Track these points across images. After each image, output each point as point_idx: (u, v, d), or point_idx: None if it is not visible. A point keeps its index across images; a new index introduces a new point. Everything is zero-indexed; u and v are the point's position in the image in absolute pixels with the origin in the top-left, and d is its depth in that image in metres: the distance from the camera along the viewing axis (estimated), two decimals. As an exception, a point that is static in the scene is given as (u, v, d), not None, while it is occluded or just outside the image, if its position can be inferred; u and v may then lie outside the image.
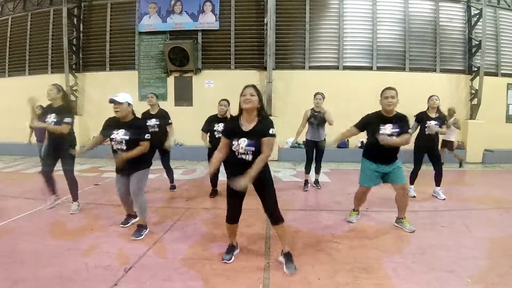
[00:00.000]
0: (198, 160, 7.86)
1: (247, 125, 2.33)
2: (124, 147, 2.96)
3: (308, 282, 2.24)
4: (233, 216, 2.49)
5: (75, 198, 3.90)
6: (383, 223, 3.48)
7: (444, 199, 4.45)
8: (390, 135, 3.04)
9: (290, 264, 2.40)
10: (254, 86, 2.38)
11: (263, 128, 2.29)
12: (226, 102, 4.31)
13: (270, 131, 2.27)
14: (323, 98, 4.76)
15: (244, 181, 2.18)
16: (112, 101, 2.93)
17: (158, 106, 4.73)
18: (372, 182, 3.28)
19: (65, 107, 3.77)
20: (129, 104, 3.01)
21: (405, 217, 3.35)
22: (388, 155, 3.16)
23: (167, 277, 2.29)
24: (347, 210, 3.70)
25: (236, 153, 2.32)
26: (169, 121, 4.63)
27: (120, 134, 2.96)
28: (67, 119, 3.64)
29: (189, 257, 2.62)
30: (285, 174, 6.20)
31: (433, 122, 4.28)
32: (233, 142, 2.31)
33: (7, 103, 7.61)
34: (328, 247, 2.84)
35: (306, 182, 5.05)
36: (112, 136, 2.99)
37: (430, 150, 4.41)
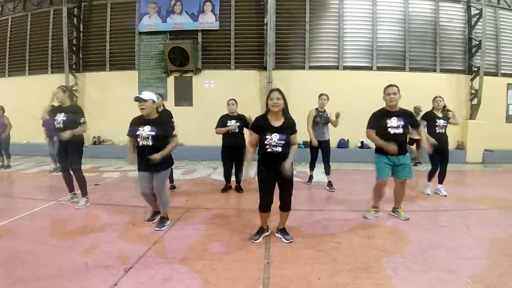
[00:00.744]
0: (198, 160, 7.86)
1: (276, 122, 2.73)
2: (151, 143, 3.06)
3: (308, 282, 2.23)
4: (266, 205, 2.84)
5: (84, 193, 4.05)
6: (383, 223, 3.48)
7: (446, 195, 4.52)
8: (397, 127, 3.28)
9: (287, 236, 2.95)
10: (279, 90, 2.75)
11: (291, 125, 2.75)
12: (234, 101, 4.66)
13: (296, 128, 2.78)
14: (328, 99, 4.86)
15: (288, 165, 2.66)
16: (137, 99, 3.06)
17: (163, 106, 4.94)
18: (387, 175, 3.44)
19: (76, 107, 3.98)
20: (153, 101, 3.13)
21: (400, 207, 3.65)
22: (398, 147, 3.31)
23: (167, 277, 2.29)
24: (348, 210, 3.71)
25: (267, 146, 2.69)
26: (172, 120, 4.80)
27: (146, 130, 3.06)
28: (82, 119, 3.86)
29: (189, 257, 2.62)
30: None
31: (441, 122, 4.41)
32: (266, 136, 2.68)
33: (7, 103, 7.59)
34: (328, 247, 2.84)
35: (310, 177, 5.29)
36: (138, 133, 3.08)
37: (441, 149, 4.46)
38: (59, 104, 3.94)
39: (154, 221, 3.42)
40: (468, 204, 4.23)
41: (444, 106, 4.55)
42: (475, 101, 8.24)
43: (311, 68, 8.44)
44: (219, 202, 4.36)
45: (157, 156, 2.99)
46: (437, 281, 2.23)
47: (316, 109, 4.85)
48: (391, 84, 3.40)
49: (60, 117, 3.81)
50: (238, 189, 4.82)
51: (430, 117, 4.43)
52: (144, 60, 8.81)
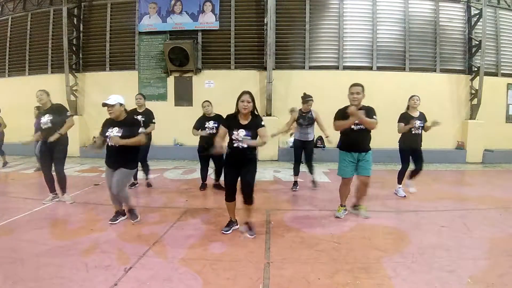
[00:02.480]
0: (198, 160, 7.85)
1: (244, 121, 2.97)
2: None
3: (308, 282, 2.23)
4: (229, 196, 3.07)
5: (63, 191, 4.15)
6: (383, 223, 3.48)
7: (404, 196, 4.48)
8: (359, 123, 3.36)
9: (251, 231, 3.08)
10: (249, 93, 2.97)
11: (256, 122, 2.98)
12: (208, 102, 4.77)
13: (262, 123, 2.98)
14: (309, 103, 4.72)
15: (248, 142, 2.88)
16: (104, 104, 3.20)
17: (145, 105, 5.10)
18: (349, 173, 3.52)
19: (57, 106, 4.04)
20: (120, 104, 3.25)
21: (361, 204, 3.70)
22: (361, 143, 3.46)
23: (167, 277, 2.29)
24: (348, 210, 3.71)
25: (234, 141, 2.92)
26: (153, 120, 4.98)
27: (114, 132, 3.20)
28: (68, 113, 3.98)
29: (189, 257, 2.62)
30: (285, 174, 6.20)
31: (417, 122, 4.38)
32: (233, 132, 2.93)
33: (7, 103, 7.59)
34: (328, 247, 2.84)
35: (295, 183, 5.00)
36: (106, 134, 3.23)
37: (414, 148, 4.49)
38: (40, 107, 4.08)
39: (117, 222, 3.40)
40: (468, 204, 4.23)
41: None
42: (475, 101, 8.23)
43: (311, 68, 8.43)
44: (219, 202, 4.34)
45: (117, 139, 3.14)
46: (437, 281, 2.23)
47: (300, 109, 4.75)
48: (356, 83, 3.43)
49: (45, 119, 3.92)
50: (219, 186, 4.77)
51: (405, 118, 4.41)
52: (144, 60, 8.81)
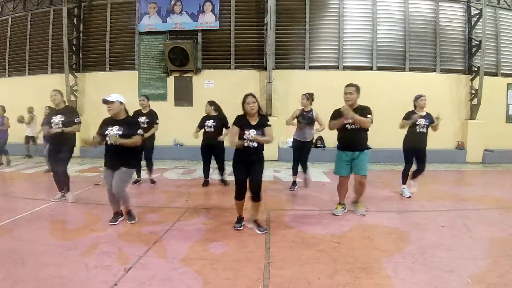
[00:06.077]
0: (198, 160, 7.84)
1: (253, 121, 3.15)
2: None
3: (308, 282, 2.23)
4: (239, 194, 3.19)
5: (67, 189, 4.19)
6: (383, 223, 3.48)
7: (409, 196, 4.45)
8: (353, 122, 3.42)
9: (261, 227, 3.19)
10: (252, 94, 3.17)
11: (263, 121, 3.17)
12: (208, 104, 5.05)
13: (268, 123, 3.17)
14: (309, 98, 4.66)
15: (255, 138, 3.03)
16: (104, 101, 3.19)
17: (149, 106, 5.29)
18: (344, 172, 3.60)
19: (71, 108, 4.10)
20: (120, 102, 3.25)
21: (359, 201, 3.73)
22: (355, 142, 3.51)
23: (167, 277, 2.29)
24: (348, 210, 3.71)
25: (246, 141, 3.07)
26: (157, 121, 5.17)
27: (114, 130, 3.18)
28: (77, 119, 3.99)
29: (189, 257, 2.62)
30: (285, 174, 6.19)
31: (422, 121, 4.33)
32: (245, 132, 3.07)
33: (7, 103, 7.60)
34: (328, 247, 2.84)
35: (294, 183, 5.01)
36: (106, 132, 3.20)
37: (419, 148, 4.43)
38: (52, 107, 4.13)
39: (117, 223, 3.38)
40: (468, 204, 4.23)
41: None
42: (475, 101, 8.24)
43: (311, 68, 8.44)
44: (219, 202, 4.36)
45: (116, 138, 3.09)
46: (437, 281, 2.23)
47: (302, 109, 4.68)
48: (350, 83, 3.50)
49: (57, 119, 3.97)
50: (224, 182, 5.08)
51: (409, 117, 4.35)
52: (144, 60, 8.81)
